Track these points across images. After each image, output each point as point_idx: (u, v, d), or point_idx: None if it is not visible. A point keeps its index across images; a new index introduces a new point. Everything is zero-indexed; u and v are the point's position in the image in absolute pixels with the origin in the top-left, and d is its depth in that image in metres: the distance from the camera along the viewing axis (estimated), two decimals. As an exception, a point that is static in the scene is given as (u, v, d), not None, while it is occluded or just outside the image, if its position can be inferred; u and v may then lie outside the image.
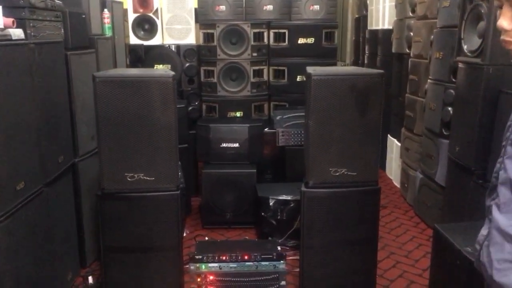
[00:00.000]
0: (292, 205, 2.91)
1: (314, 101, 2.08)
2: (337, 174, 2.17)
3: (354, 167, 2.16)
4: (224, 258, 2.25)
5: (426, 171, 3.30)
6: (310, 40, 3.61)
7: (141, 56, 3.57)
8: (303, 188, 2.19)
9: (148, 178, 2.11)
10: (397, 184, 4.12)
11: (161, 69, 2.23)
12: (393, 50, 4.18)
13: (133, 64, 3.60)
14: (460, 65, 2.68)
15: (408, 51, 3.85)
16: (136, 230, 2.14)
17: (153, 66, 3.55)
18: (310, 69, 2.13)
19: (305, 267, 2.24)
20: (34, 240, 2.01)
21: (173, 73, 2.06)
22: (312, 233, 2.20)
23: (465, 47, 2.63)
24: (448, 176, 2.91)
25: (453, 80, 2.90)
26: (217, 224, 3.23)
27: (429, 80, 3.27)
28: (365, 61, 5.16)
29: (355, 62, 5.76)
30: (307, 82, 2.09)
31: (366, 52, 5.05)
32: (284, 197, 2.93)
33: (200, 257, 2.24)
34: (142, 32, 3.63)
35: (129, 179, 2.10)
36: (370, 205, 2.21)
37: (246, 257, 2.26)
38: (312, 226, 2.20)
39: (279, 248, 2.32)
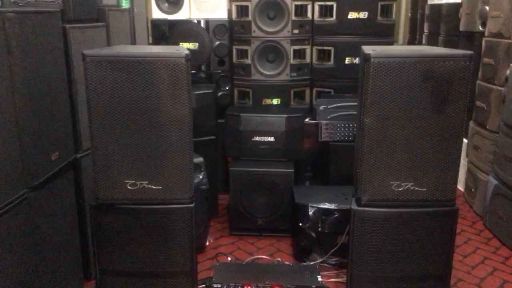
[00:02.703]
0: (336, 215, 2.40)
1: (373, 93, 1.55)
2: (400, 189, 1.64)
3: (424, 180, 1.63)
4: (249, 288, 1.78)
5: (503, 177, 2.69)
6: (363, 15, 3.02)
7: (165, 33, 3.10)
8: (354, 206, 1.67)
9: (154, 187, 1.65)
10: (460, 187, 3.51)
11: (176, 47, 1.75)
12: (461, 28, 3.52)
13: (157, 42, 3.14)
14: None
15: (481, 29, 3.20)
16: (139, 250, 1.71)
17: (178, 44, 3.08)
18: (368, 49, 1.59)
19: (353, 304, 1.75)
20: (18, 251, 1.61)
21: (187, 51, 1.58)
22: (363, 263, 1.70)
23: None
24: (536, 187, 2.31)
25: (550, 65, 2.27)
26: (247, 231, 2.77)
27: (512, 65, 2.64)
28: (423, 41, 4.51)
29: (411, 43, 5.09)
30: (365, 66, 1.56)
31: (426, 30, 4.40)
32: (326, 205, 2.42)
33: (219, 285, 1.78)
34: (166, 5, 3.16)
35: (130, 188, 1.65)
36: (443, 231, 1.67)
37: (277, 289, 1.78)
38: (364, 255, 1.69)
39: (319, 278, 1.83)
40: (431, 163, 1.60)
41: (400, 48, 1.70)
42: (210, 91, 2.90)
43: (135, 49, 1.78)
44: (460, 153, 1.60)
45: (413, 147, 1.59)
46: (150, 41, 3.19)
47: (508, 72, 2.70)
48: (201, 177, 2.46)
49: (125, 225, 1.67)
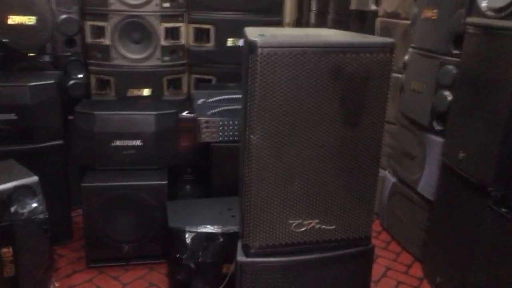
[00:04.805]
0: (221, 240, 1.91)
1: (262, 98, 1.06)
2: (303, 229, 1.19)
3: (333, 216, 1.20)
4: None
5: (402, 174, 2.44)
6: (247, -13, 2.53)
7: (-14, 2, 2.29)
8: (241, 257, 1.19)
9: None
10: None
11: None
12: (352, 7, 3.24)
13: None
14: (471, 29, 1.82)
15: (375, 7, 2.92)
16: None
17: (5, 18, 2.29)
18: (252, 34, 1.09)
19: None
20: None
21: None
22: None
23: (483, 3, 1.75)
24: (441, 190, 2.08)
25: (455, 51, 2.01)
26: (110, 261, 2.18)
27: (411, 49, 2.37)
28: (311, 21, 4.20)
29: (298, 22, 4.76)
30: (249, 59, 1.06)
31: (313, 8, 4.10)
32: (208, 228, 1.92)
33: None
34: (-15, -37, 2.33)
35: None
36: (356, 276, 1.27)
37: None
38: (257, 319, 1.23)
39: None
40: (341, 192, 1.18)
41: (297, 33, 1.23)
42: (51, 81, 2.19)
43: None
44: (377, 177, 1.19)
45: (317, 173, 1.15)
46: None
47: (406, 57, 2.42)
48: (35, 204, 1.79)
49: None
